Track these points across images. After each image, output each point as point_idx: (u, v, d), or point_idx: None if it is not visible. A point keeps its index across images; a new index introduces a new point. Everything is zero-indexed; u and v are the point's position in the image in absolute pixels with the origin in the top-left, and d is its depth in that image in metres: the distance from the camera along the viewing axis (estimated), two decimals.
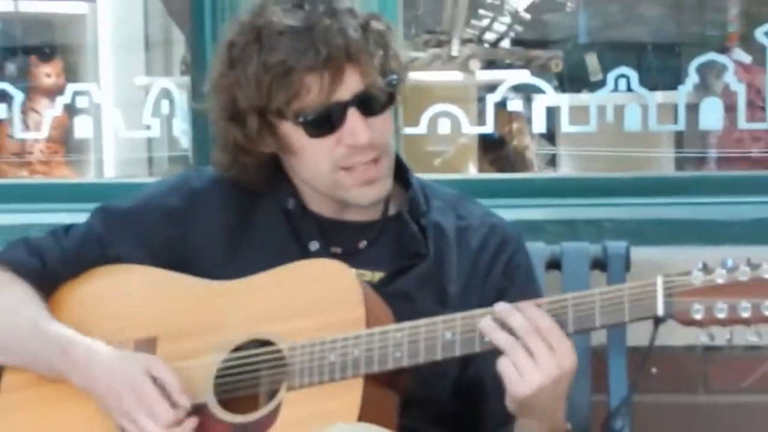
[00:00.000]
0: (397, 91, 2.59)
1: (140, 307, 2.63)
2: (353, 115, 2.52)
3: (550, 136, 6.38)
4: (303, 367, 2.44)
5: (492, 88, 3.87)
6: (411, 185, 2.67)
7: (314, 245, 2.62)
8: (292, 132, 2.55)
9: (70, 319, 2.62)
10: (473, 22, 7.35)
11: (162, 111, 3.86)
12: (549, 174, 6.32)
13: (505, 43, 7.47)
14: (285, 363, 2.46)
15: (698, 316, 2.28)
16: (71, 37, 7.52)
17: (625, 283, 2.38)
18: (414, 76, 2.81)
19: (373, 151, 2.55)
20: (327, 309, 2.47)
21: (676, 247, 3.28)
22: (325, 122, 2.52)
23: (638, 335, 2.38)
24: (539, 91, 3.76)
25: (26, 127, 4.47)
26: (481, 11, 7.37)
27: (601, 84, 3.73)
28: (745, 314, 2.26)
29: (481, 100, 3.90)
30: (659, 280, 2.31)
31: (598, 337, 2.87)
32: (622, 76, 3.67)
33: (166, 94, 3.87)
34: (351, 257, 2.59)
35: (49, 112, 4.35)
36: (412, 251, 2.63)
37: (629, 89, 3.70)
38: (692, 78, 3.66)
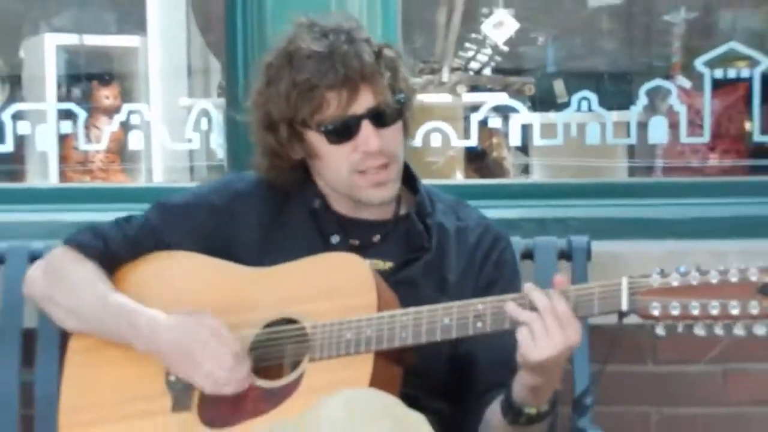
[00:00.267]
0: (405, 108, 2.59)
1: (188, 287, 2.64)
2: (366, 126, 2.53)
3: (524, 149, 6.34)
4: (323, 343, 2.44)
5: (475, 108, 3.85)
6: (419, 191, 2.68)
7: (335, 238, 2.62)
8: (316, 140, 2.55)
9: (130, 295, 2.62)
10: (460, 53, 7.32)
11: (201, 127, 3.85)
12: (523, 180, 6.29)
13: (487, 71, 7.43)
14: (308, 339, 2.47)
15: (656, 312, 2.29)
16: (126, 65, 7.49)
17: (596, 282, 2.37)
18: None
19: (383, 157, 2.55)
20: (344, 294, 2.47)
21: (629, 241, 3.27)
22: (343, 131, 2.53)
23: (597, 318, 2.38)
24: (515, 111, 3.75)
25: (88, 140, 4.45)
26: (467, 45, 7.34)
27: (567, 105, 3.73)
28: (695, 312, 2.27)
29: (467, 118, 3.89)
30: (624, 281, 2.31)
31: None
32: (584, 98, 3.67)
33: (205, 113, 3.86)
34: (366, 249, 2.60)
35: (108, 128, 4.34)
36: (418, 245, 2.63)
37: (590, 109, 3.69)
38: (642, 100, 3.65)
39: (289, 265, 2.56)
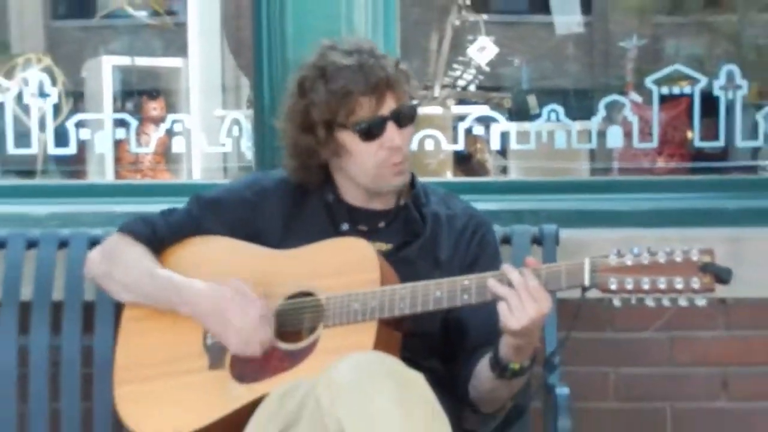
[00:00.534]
0: (417, 112, 2.61)
1: (221, 265, 2.62)
2: (391, 126, 2.54)
3: (503, 152, 6.35)
4: (335, 312, 2.44)
5: (462, 118, 3.84)
6: (416, 186, 2.68)
7: (345, 226, 2.61)
8: (350, 138, 2.55)
9: (174, 272, 2.62)
10: (449, 73, 7.34)
11: (233, 134, 3.83)
12: (502, 178, 6.29)
13: (472, 88, 7.45)
14: (322, 308, 2.46)
15: (613, 287, 2.28)
16: (171, 82, 7.51)
17: (563, 262, 2.38)
18: None
19: (402, 152, 2.55)
20: (353, 271, 2.46)
21: (591, 229, 3.26)
22: (373, 130, 2.53)
23: (564, 292, 2.37)
24: (495, 120, 3.73)
25: (139, 144, 4.43)
26: (455, 66, 7.36)
27: (538, 116, 3.69)
28: (646, 287, 2.26)
29: (455, 127, 3.87)
30: (587, 261, 2.31)
31: None
32: (553, 110, 3.64)
33: (236, 122, 3.84)
34: (372, 234, 2.59)
35: (155, 134, 4.32)
36: (415, 231, 2.62)
37: (558, 120, 3.66)
38: (601, 112, 3.63)
39: (306, 247, 2.55)
